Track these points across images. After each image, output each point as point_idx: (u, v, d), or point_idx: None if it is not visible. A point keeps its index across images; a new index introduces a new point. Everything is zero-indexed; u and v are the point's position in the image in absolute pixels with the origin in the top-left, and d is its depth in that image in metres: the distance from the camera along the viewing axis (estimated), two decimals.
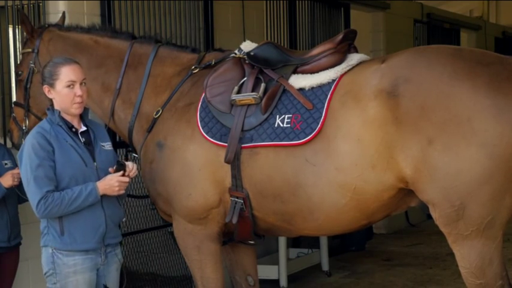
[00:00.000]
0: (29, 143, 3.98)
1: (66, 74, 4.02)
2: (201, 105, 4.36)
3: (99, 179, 4.02)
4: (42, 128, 4.04)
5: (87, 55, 4.80)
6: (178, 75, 4.65)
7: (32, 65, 4.88)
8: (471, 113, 3.69)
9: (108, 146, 4.19)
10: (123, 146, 4.81)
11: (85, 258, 4.02)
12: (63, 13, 5.31)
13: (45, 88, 4.06)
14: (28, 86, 4.89)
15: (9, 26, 6.26)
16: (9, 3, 6.04)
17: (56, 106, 4.08)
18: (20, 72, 5.00)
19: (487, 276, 3.80)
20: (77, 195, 3.93)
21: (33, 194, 3.94)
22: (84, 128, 4.13)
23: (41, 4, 6.04)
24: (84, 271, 4.02)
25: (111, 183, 4.00)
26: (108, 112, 4.79)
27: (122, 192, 4.04)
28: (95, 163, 4.08)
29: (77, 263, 4.00)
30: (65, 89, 4.02)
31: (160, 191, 4.44)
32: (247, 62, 4.38)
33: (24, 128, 4.91)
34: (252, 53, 4.38)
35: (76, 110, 4.06)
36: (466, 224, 3.76)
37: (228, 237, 4.54)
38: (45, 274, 4.07)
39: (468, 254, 3.80)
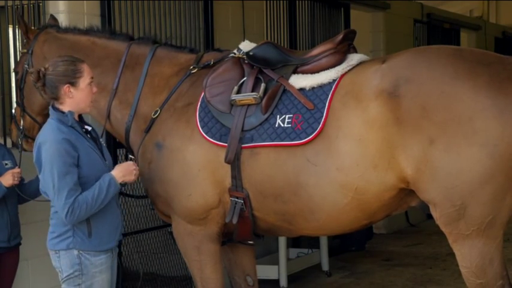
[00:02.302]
0: (55, 148, 3.89)
1: (88, 71, 4.06)
2: (200, 105, 4.35)
3: None
4: (62, 132, 3.95)
5: (83, 56, 4.75)
6: (176, 75, 4.64)
7: (26, 66, 4.88)
8: (472, 113, 3.69)
9: (103, 142, 4.26)
10: (123, 146, 4.80)
11: (107, 256, 4.07)
12: (51, 15, 5.30)
13: (66, 88, 3.99)
14: (22, 87, 4.89)
15: (9, 26, 6.26)
16: (9, 3, 6.04)
17: (72, 106, 4.03)
18: (17, 72, 5.02)
19: (488, 276, 3.80)
20: (98, 191, 3.92)
21: (63, 203, 3.89)
22: (90, 128, 4.14)
23: (41, 4, 6.04)
24: (107, 270, 4.08)
25: (129, 167, 4.05)
26: (104, 112, 4.77)
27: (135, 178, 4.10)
28: (106, 161, 4.12)
29: (102, 262, 4.04)
30: (88, 86, 4.04)
31: (160, 191, 4.44)
32: (246, 61, 4.37)
33: (20, 127, 4.91)
34: (251, 53, 4.38)
35: (90, 107, 4.13)
36: (467, 223, 3.76)
37: (227, 238, 4.54)
38: (66, 277, 4.03)
39: (469, 254, 3.80)
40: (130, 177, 4.07)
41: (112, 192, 3.98)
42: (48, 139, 3.94)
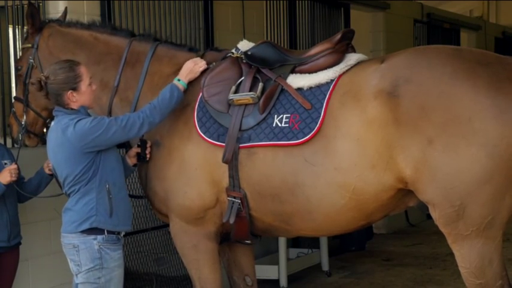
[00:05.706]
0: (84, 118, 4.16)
1: (86, 73, 4.25)
2: (198, 105, 4.35)
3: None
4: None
5: (87, 51, 4.79)
6: (175, 74, 4.61)
7: (31, 61, 4.87)
8: (472, 113, 3.69)
9: None
10: (123, 145, 4.80)
11: (121, 252, 4.24)
12: (65, 9, 5.29)
13: (70, 94, 4.18)
14: (27, 82, 4.87)
15: (9, 26, 6.26)
16: (9, 3, 6.04)
17: (76, 107, 4.23)
18: (19, 67, 4.99)
19: (487, 276, 3.79)
20: (161, 97, 4.26)
21: (131, 123, 4.17)
22: None
23: (41, 4, 6.04)
24: (122, 266, 4.26)
25: (188, 66, 4.39)
26: (106, 109, 4.77)
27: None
28: None
29: (120, 256, 4.23)
30: (89, 87, 4.24)
31: (157, 190, 4.44)
32: (244, 61, 4.37)
33: (23, 123, 4.88)
34: (249, 53, 4.37)
35: (93, 103, 4.36)
36: (466, 224, 3.76)
37: (224, 237, 4.53)
38: (86, 270, 4.15)
39: (468, 254, 3.80)
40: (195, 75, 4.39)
41: (177, 94, 4.29)
42: (72, 118, 4.15)
